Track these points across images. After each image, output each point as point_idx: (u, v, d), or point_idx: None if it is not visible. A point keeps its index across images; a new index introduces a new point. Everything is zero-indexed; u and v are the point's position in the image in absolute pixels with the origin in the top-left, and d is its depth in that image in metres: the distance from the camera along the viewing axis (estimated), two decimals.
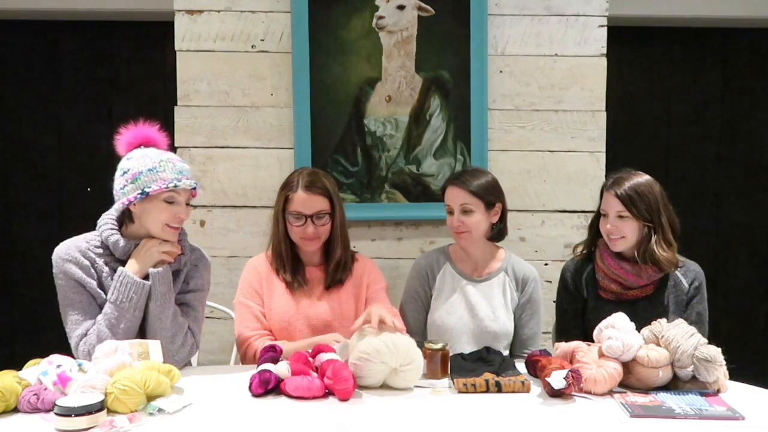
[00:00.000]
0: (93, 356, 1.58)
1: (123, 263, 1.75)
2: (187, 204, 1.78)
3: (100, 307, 1.73)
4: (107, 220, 1.79)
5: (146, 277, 1.73)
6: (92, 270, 1.74)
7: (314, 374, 1.61)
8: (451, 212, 2.06)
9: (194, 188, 1.79)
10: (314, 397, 1.54)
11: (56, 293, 1.78)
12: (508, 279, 2.12)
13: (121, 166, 1.76)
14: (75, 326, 1.73)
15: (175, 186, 1.71)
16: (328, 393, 1.57)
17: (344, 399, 1.53)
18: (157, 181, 1.70)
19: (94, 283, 1.73)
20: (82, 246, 1.75)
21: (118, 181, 1.75)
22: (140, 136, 1.78)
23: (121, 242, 1.74)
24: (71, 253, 1.73)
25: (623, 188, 1.92)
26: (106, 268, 1.75)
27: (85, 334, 1.71)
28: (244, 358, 2.00)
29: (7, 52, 3.27)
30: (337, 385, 1.54)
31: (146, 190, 1.70)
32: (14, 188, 3.32)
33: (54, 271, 1.74)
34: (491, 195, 2.06)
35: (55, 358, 1.56)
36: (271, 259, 2.08)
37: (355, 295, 2.08)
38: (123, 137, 1.79)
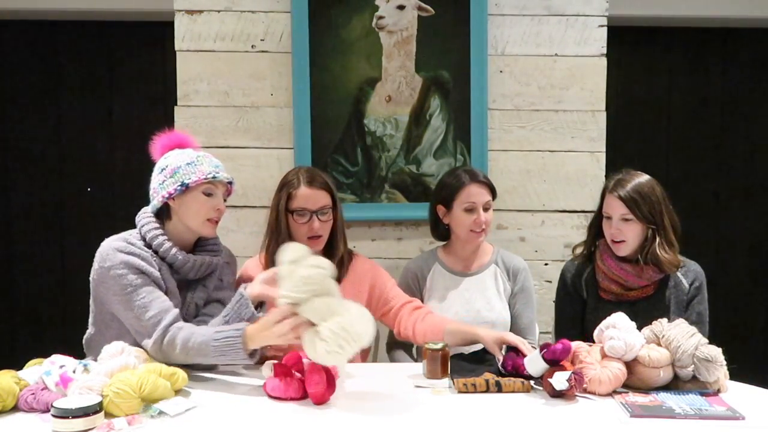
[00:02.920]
0: (99, 357, 1.58)
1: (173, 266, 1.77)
2: (224, 200, 1.83)
3: (165, 293, 1.73)
4: (147, 220, 1.78)
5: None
6: (153, 261, 1.74)
7: (297, 375, 1.58)
8: (471, 210, 2.06)
9: (230, 183, 1.84)
10: (291, 399, 1.53)
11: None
12: (499, 270, 2.15)
13: (159, 165, 1.81)
14: (147, 309, 1.67)
15: (214, 177, 1.76)
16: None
17: (318, 402, 1.51)
18: (195, 173, 1.75)
19: (157, 273, 1.73)
20: (135, 242, 1.75)
21: (157, 179, 1.79)
22: (174, 140, 1.85)
23: (180, 256, 1.75)
24: (128, 246, 1.72)
25: (626, 190, 1.91)
26: (163, 265, 1.75)
27: (163, 315, 1.66)
28: None
29: (7, 52, 3.27)
30: (309, 388, 1.52)
31: (186, 181, 1.73)
32: (14, 189, 3.31)
33: (105, 265, 1.69)
34: (495, 188, 2.13)
35: (58, 358, 1.56)
36: (264, 265, 2.01)
37: (354, 295, 2.01)
38: (157, 143, 1.84)
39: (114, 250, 1.71)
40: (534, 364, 1.60)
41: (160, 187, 1.77)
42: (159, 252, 1.75)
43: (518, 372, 1.64)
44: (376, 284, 2.07)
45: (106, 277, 1.70)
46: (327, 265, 1.57)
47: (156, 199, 1.78)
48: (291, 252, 1.58)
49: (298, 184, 1.97)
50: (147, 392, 1.45)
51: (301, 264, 1.55)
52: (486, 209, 2.08)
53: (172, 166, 1.76)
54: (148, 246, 1.76)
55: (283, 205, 1.98)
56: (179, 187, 1.74)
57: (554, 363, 1.58)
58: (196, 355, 1.62)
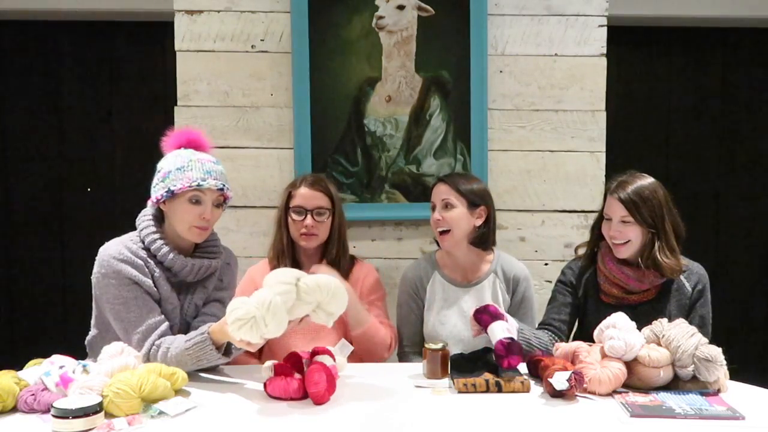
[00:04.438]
0: (99, 357, 1.58)
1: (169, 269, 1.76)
2: (218, 206, 1.77)
3: (158, 303, 1.74)
4: (146, 223, 1.78)
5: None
6: (146, 269, 1.73)
7: (297, 375, 1.59)
8: (434, 209, 2.07)
9: (222, 189, 1.76)
10: (291, 399, 1.54)
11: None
12: (498, 280, 2.11)
13: (158, 165, 1.79)
14: (135, 324, 1.69)
15: (199, 185, 1.71)
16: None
17: (318, 402, 1.51)
18: (182, 179, 1.71)
19: (150, 282, 1.72)
20: (132, 247, 1.74)
21: (153, 180, 1.77)
22: (183, 139, 1.81)
23: (178, 261, 1.74)
24: (125, 253, 1.72)
25: (627, 192, 1.89)
26: (158, 270, 1.75)
27: (149, 333, 1.68)
28: None
29: (7, 52, 3.27)
30: (309, 388, 1.53)
31: (172, 188, 1.71)
32: (14, 189, 3.31)
33: (102, 272, 1.71)
34: (476, 196, 2.06)
35: (57, 359, 1.55)
36: (271, 264, 2.10)
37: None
38: (168, 140, 1.81)
39: (110, 257, 1.71)
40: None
41: (153, 189, 1.76)
42: (157, 256, 1.74)
43: (509, 359, 1.64)
44: (363, 290, 2.12)
45: (101, 282, 1.72)
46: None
47: (150, 201, 1.78)
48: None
49: (300, 184, 2.09)
50: (147, 392, 1.45)
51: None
52: (446, 207, 2.03)
53: (164, 170, 1.74)
54: (147, 249, 1.75)
55: (283, 203, 2.10)
56: (165, 193, 1.71)
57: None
58: (177, 366, 1.62)
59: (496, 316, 1.73)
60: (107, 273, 1.70)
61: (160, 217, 1.80)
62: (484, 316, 1.74)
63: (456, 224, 2.03)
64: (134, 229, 1.81)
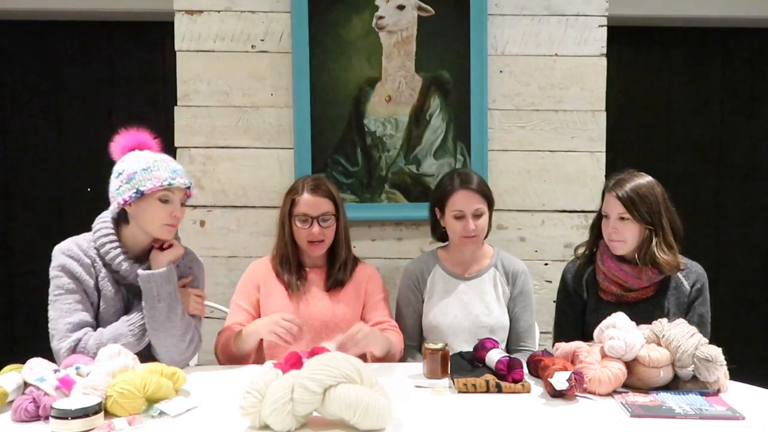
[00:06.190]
0: (96, 359, 1.58)
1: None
2: (183, 204, 1.79)
3: (97, 305, 1.75)
4: (102, 225, 1.78)
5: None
6: (92, 269, 1.75)
7: None
8: (460, 217, 2.04)
9: (188, 187, 1.79)
10: None
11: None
12: (498, 273, 2.13)
13: (116, 168, 1.78)
14: (65, 314, 1.70)
15: (170, 184, 1.73)
16: None
17: None
18: (151, 179, 1.71)
19: (91, 282, 1.74)
20: (83, 245, 1.77)
21: (114, 183, 1.76)
22: (134, 141, 1.81)
23: (124, 264, 1.75)
24: (74, 250, 1.75)
25: (624, 190, 1.91)
26: (104, 270, 1.76)
27: (77, 324, 1.70)
28: (216, 348, 2.00)
29: (7, 52, 3.27)
30: None
31: (141, 188, 1.71)
32: (14, 188, 3.31)
33: (52, 264, 1.75)
34: (491, 194, 2.10)
35: (34, 363, 1.52)
36: (274, 262, 2.11)
37: (354, 299, 2.10)
38: (117, 142, 1.81)
39: (59, 252, 1.75)
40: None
41: (116, 192, 1.74)
42: (105, 258, 1.75)
43: (513, 374, 1.64)
44: (368, 291, 2.13)
45: (50, 274, 1.75)
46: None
47: (113, 204, 1.76)
48: None
49: (302, 191, 2.04)
50: (151, 392, 1.45)
51: None
52: (478, 216, 2.03)
53: (128, 172, 1.73)
54: (98, 250, 1.76)
55: (286, 211, 2.06)
56: (134, 194, 1.71)
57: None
58: (114, 342, 1.65)
59: (492, 348, 1.77)
60: (54, 266, 1.74)
61: (118, 220, 1.80)
62: (481, 352, 1.78)
63: (484, 229, 2.07)
64: None
